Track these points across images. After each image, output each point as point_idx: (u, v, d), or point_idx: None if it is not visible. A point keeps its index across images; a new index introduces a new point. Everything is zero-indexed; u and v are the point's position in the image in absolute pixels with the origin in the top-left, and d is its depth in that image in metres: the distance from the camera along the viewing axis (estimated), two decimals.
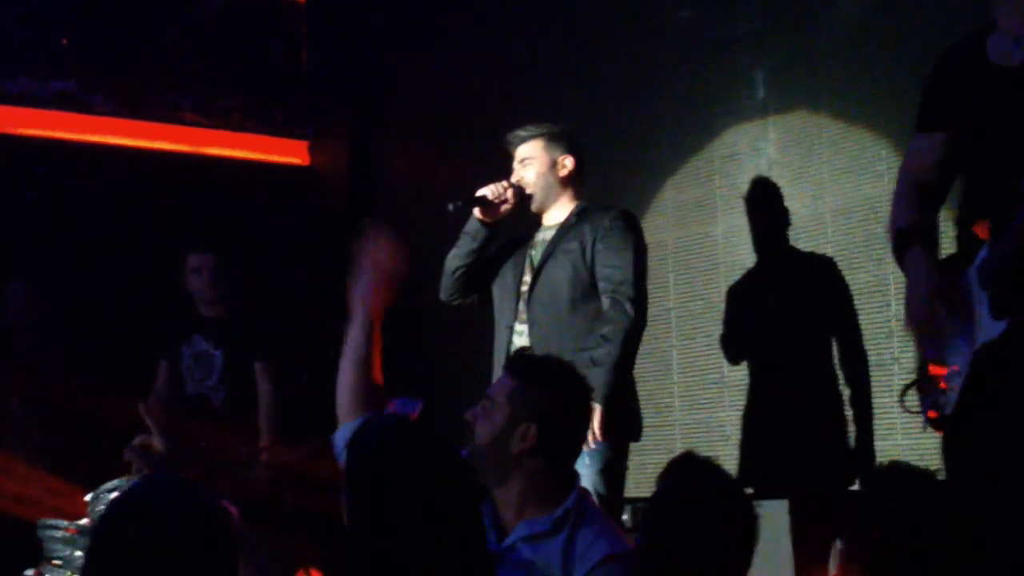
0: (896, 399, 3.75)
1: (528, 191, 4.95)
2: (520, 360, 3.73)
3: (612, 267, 4.76)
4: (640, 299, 4.72)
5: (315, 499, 5.89)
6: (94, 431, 6.40)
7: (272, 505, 6.11)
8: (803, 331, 5.62)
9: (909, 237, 3.63)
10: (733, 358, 5.87)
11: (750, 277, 5.85)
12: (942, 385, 3.48)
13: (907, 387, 3.69)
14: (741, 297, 5.87)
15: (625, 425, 4.78)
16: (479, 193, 4.92)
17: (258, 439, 6.34)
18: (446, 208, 4.88)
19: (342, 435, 3.61)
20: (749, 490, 5.55)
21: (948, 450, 3.53)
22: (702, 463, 3.08)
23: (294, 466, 6.11)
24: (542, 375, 3.53)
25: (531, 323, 4.84)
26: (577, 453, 3.58)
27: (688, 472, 3.07)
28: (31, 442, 6.65)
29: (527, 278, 4.92)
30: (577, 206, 4.94)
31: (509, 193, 4.92)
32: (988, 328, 3.38)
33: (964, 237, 3.60)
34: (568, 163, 4.96)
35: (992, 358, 3.36)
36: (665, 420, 6.07)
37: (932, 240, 3.66)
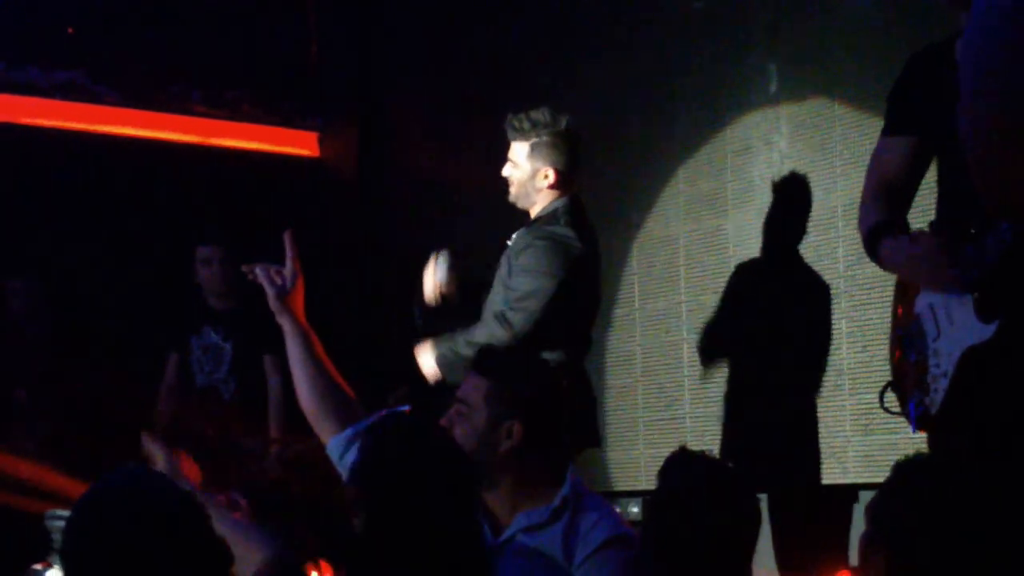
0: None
1: (510, 188, 4.98)
2: (487, 357, 3.65)
3: (513, 289, 4.79)
4: (523, 323, 4.73)
5: (324, 491, 5.88)
6: (103, 423, 6.41)
7: (281, 497, 6.11)
8: (809, 326, 5.61)
9: (882, 231, 3.63)
10: (741, 352, 5.86)
11: (760, 271, 5.83)
12: (924, 385, 3.51)
13: (884, 387, 3.71)
14: (751, 291, 5.86)
15: (578, 435, 4.69)
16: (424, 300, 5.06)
17: (267, 431, 6.34)
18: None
19: (335, 446, 3.59)
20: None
21: (936, 448, 3.56)
22: (700, 456, 3.09)
23: (303, 458, 6.11)
24: (515, 368, 3.50)
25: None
26: (561, 438, 3.57)
27: (688, 464, 3.07)
28: (40, 434, 6.65)
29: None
30: (538, 213, 4.93)
31: (438, 291, 5.03)
32: (975, 331, 3.39)
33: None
34: (549, 175, 4.92)
35: (983, 360, 3.38)
36: (675, 414, 6.05)
37: (905, 231, 3.66)
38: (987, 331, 3.37)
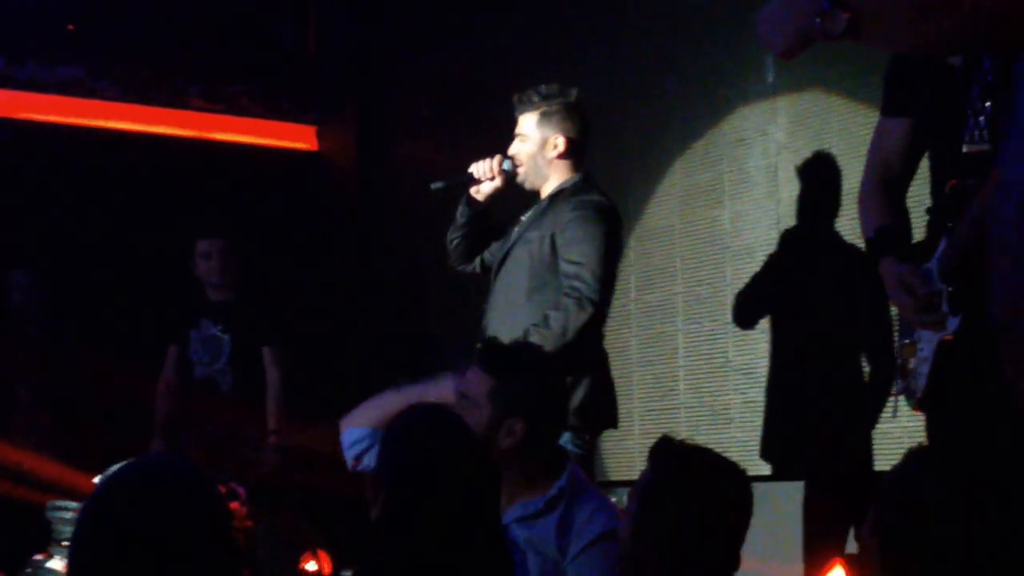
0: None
1: (518, 167, 4.77)
2: (492, 353, 3.62)
3: (570, 262, 4.54)
4: (595, 291, 4.48)
5: (322, 482, 5.91)
6: (103, 414, 6.44)
7: (280, 487, 6.14)
8: (810, 315, 5.62)
9: (880, 246, 3.65)
10: (739, 342, 5.87)
11: (756, 262, 5.85)
12: (908, 367, 3.55)
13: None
14: (748, 281, 5.87)
15: (598, 417, 4.62)
16: (470, 168, 4.82)
17: (265, 422, 6.36)
18: (429, 188, 4.80)
19: (348, 438, 3.62)
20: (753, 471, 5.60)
21: (927, 432, 3.61)
22: (684, 444, 3.09)
23: (302, 449, 6.14)
24: (518, 367, 3.50)
25: (490, 307, 4.73)
26: (561, 433, 3.58)
27: (672, 452, 3.07)
28: (41, 426, 6.68)
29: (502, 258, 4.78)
30: (557, 187, 4.74)
31: (496, 169, 4.76)
32: (949, 321, 3.43)
33: (932, 227, 3.64)
34: (559, 143, 4.73)
35: (949, 352, 3.42)
36: (670, 404, 6.07)
37: (904, 240, 3.68)
38: (953, 323, 3.41)
